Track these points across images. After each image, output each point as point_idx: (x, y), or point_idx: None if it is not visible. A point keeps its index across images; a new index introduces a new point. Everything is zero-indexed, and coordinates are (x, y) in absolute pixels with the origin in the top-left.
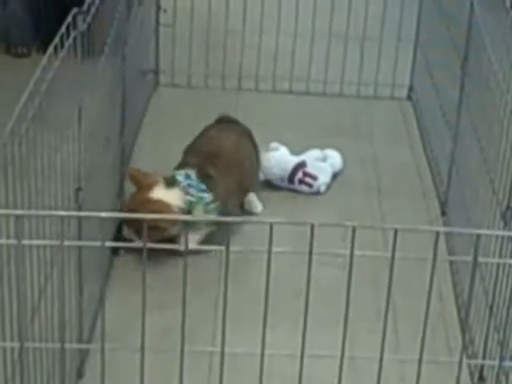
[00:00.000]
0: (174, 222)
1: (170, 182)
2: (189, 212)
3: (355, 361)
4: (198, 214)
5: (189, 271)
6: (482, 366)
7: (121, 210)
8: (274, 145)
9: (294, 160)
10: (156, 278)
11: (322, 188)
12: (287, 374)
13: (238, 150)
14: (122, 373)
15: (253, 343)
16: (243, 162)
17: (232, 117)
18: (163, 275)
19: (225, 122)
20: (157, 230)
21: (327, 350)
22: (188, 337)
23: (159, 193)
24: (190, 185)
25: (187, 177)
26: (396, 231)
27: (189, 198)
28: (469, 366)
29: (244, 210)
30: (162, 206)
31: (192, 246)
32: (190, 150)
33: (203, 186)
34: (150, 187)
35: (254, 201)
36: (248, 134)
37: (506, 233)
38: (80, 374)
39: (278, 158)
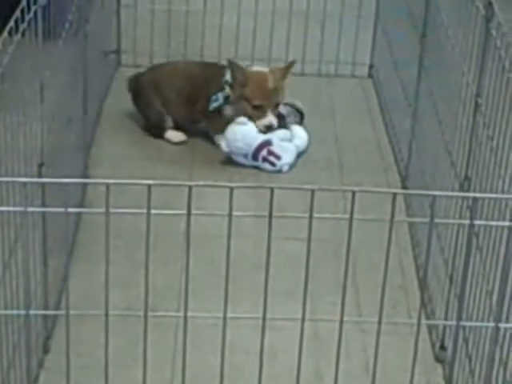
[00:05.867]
0: None
1: None
2: None
3: (317, 332)
4: None
5: (151, 251)
6: (443, 336)
7: None
8: (241, 119)
9: (261, 137)
10: (120, 254)
11: (285, 168)
12: (249, 345)
13: None
14: (87, 346)
15: (216, 317)
16: None
17: None
18: (127, 253)
19: None
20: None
21: (289, 321)
22: (152, 309)
23: None
24: None
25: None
26: (354, 193)
27: None
28: (430, 336)
29: None
30: None
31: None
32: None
33: None
34: None
35: None
36: None
37: (461, 194)
38: (46, 350)
39: (244, 133)
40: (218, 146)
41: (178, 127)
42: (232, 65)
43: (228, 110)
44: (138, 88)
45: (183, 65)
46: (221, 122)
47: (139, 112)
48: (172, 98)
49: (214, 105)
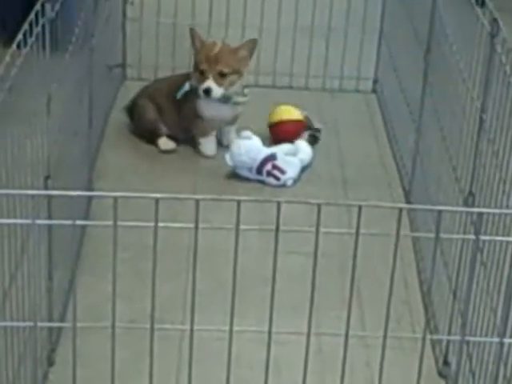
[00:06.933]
0: None
1: None
2: None
3: (322, 347)
4: None
5: (157, 263)
6: (447, 351)
7: None
8: (246, 133)
9: (265, 151)
10: (125, 267)
11: (289, 182)
12: (254, 359)
13: None
14: (92, 358)
15: (222, 330)
16: None
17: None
18: (133, 266)
19: None
20: None
21: (294, 336)
22: (158, 322)
23: None
24: None
25: None
26: (360, 208)
27: None
28: (433, 351)
29: None
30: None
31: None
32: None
33: None
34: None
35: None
36: None
37: (467, 209)
38: (51, 362)
39: (248, 147)
40: (214, 157)
41: (172, 136)
42: (192, 32)
43: (201, 105)
44: (132, 104)
45: (176, 76)
46: (203, 123)
47: (133, 123)
48: (163, 105)
49: (180, 92)
